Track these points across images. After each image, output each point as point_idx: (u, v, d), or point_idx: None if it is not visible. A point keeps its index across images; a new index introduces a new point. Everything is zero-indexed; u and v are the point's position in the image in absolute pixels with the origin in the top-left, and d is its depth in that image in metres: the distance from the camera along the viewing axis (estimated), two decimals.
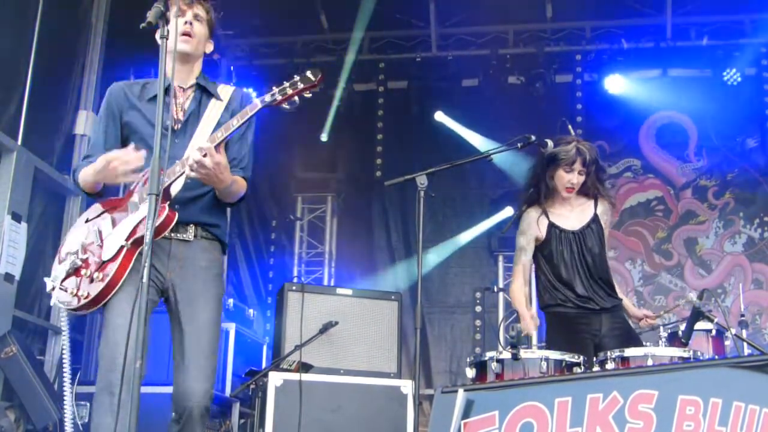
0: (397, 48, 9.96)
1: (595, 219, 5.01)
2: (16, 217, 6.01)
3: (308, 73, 3.46)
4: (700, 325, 4.89)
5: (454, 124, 9.56)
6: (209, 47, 3.99)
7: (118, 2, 7.36)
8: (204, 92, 3.91)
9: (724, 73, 9.04)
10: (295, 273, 10.00)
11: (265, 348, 8.29)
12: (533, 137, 4.76)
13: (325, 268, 10.12)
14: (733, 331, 4.81)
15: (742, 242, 9.15)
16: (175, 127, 3.77)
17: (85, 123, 7.09)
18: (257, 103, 3.50)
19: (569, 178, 4.90)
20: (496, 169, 8.81)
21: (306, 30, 9.59)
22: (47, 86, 6.66)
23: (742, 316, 6.35)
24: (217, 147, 3.48)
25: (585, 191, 5.02)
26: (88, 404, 6.06)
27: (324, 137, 9.88)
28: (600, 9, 9.33)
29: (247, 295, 9.64)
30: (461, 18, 9.71)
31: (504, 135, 6.27)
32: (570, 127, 5.94)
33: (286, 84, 3.47)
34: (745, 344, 5.09)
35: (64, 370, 6.13)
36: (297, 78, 3.46)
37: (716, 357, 5.13)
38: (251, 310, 8.36)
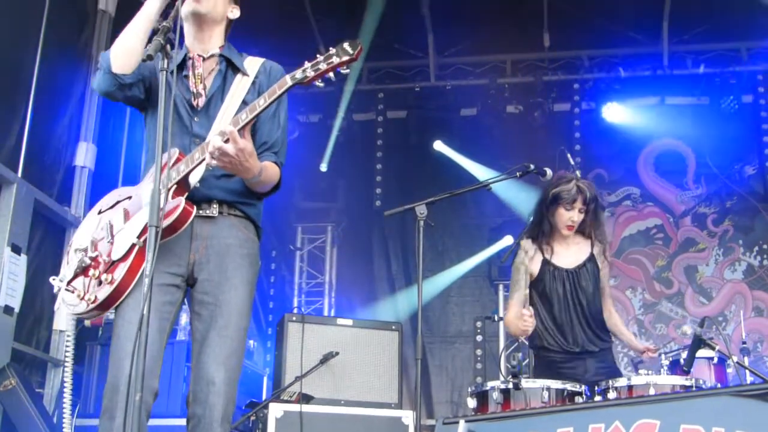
0: (395, 78, 10.01)
1: (591, 258, 5.01)
2: (16, 249, 6.00)
3: (346, 45, 3.05)
4: (702, 352, 4.88)
5: (453, 154, 9.59)
6: (234, 12, 3.59)
7: (118, 33, 7.39)
8: (230, 65, 3.51)
9: (722, 101, 9.09)
10: (296, 303, 9.99)
11: (265, 379, 8.27)
12: (532, 166, 4.79)
13: (325, 298, 10.10)
14: (735, 358, 4.80)
15: (742, 270, 9.14)
16: (195, 103, 3.43)
17: (85, 155, 7.10)
18: (287, 81, 3.09)
19: (570, 215, 4.92)
20: (496, 198, 8.82)
21: (305, 60, 9.63)
22: (47, 118, 6.67)
23: (744, 343, 6.33)
24: (241, 131, 3.10)
25: (582, 230, 5.04)
26: None
27: (323, 167, 9.92)
28: (597, 38, 9.38)
29: None
30: (459, 48, 9.77)
31: (503, 164, 6.31)
32: (569, 155, 5.97)
33: (320, 58, 3.06)
34: (747, 372, 5.07)
35: (65, 403, 6.11)
36: (332, 51, 3.05)
37: (718, 385, 5.11)
38: (251, 341, 8.33)
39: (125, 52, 3.35)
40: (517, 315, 4.82)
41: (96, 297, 3.25)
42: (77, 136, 7.16)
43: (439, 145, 9.66)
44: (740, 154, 9.37)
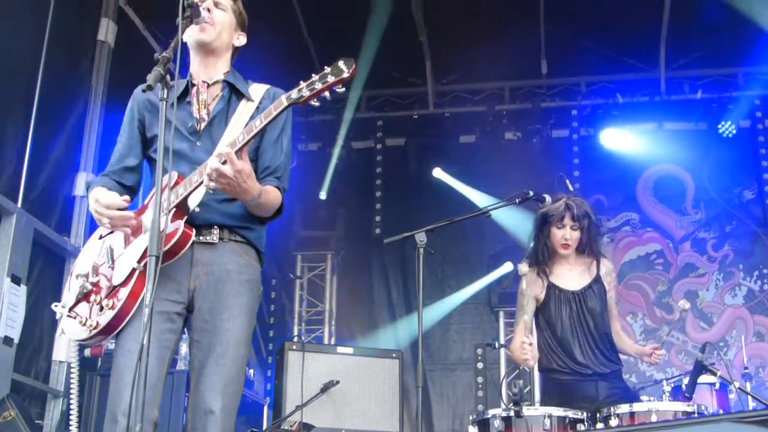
0: (394, 106, 10.05)
1: (597, 279, 4.94)
2: (16, 280, 5.99)
3: (340, 64, 3.03)
4: (704, 378, 4.87)
5: (453, 181, 9.61)
6: (240, 39, 3.61)
7: (117, 63, 7.43)
8: (234, 91, 3.52)
9: (719, 126, 9.13)
10: (296, 332, 9.96)
11: (265, 408, 8.22)
12: (531, 192, 4.79)
13: (325, 327, 10.07)
14: (737, 384, 4.78)
15: (742, 294, 9.13)
16: (198, 128, 3.44)
17: (85, 184, 7.11)
18: (283, 101, 3.09)
19: (562, 234, 4.90)
20: (495, 225, 8.81)
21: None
22: (47, 148, 6.69)
23: (745, 368, 6.33)
24: (238, 152, 3.09)
25: (583, 249, 4.98)
26: None
27: (323, 195, 9.93)
28: (594, 64, 9.44)
29: None
30: (457, 75, 9.83)
31: (502, 190, 6.29)
32: (568, 181, 5.99)
33: (315, 77, 3.05)
34: (749, 397, 5.06)
35: None
36: (327, 70, 3.03)
37: (720, 411, 5.10)
38: (251, 370, 8.29)
39: None
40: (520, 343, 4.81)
41: (98, 322, 3.23)
42: (77, 166, 7.17)
43: (438, 173, 9.68)
44: (739, 178, 9.40)
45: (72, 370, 6.39)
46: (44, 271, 6.64)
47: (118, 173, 3.58)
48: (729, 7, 8.06)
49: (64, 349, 6.54)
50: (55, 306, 3.42)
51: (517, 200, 4.83)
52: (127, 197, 3.39)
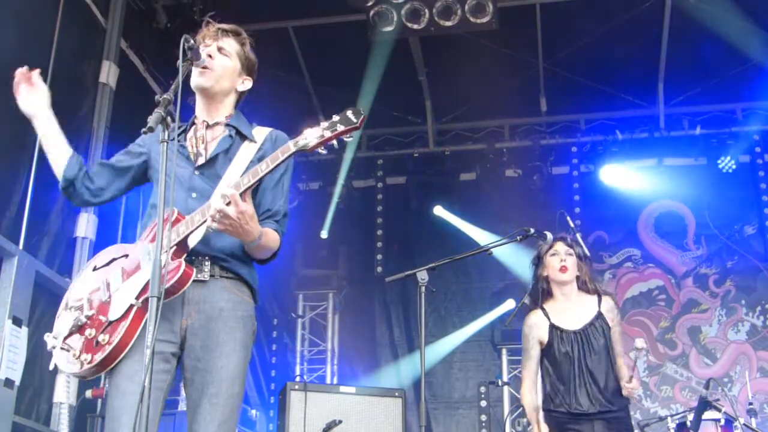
0: (394, 144, 10.10)
1: (599, 316, 4.86)
2: (17, 322, 5.97)
3: (349, 113, 3.09)
4: (709, 414, 4.84)
5: (454, 218, 9.63)
6: (245, 84, 3.62)
7: (118, 105, 7.48)
8: (237, 133, 3.52)
9: (719, 161, 9.15)
10: (298, 371, 9.92)
11: None
12: (532, 230, 4.79)
13: (327, 366, 10.02)
14: (742, 420, 4.76)
15: (745, 330, 9.10)
16: (196, 162, 3.44)
17: (86, 225, 7.11)
18: (290, 147, 3.11)
19: (559, 258, 4.88)
20: (497, 262, 8.82)
21: (304, 127, 9.71)
22: (49, 190, 6.70)
23: (750, 404, 6.28)
24: (242, 194, 3.10)
25: (582, 286, 4.96)
26: None
27: (324, 234, 9.93)
28: (593, 101, 9.49)
29: (249, 395, 9.55)
30: (457, 114, 9.88)
31: (503, 228, 6.32)
32: (569, 218, 5.99)
33: (325, 124, 3.10)
34: None
35: None
36: (336, 119, 3.09)
37: None
38: (253, 411, 8.25)
39: (52, 164, 3.69)
40: (530, 388, 4.79)
41: (93, 358, 3.18)
42: (78, 208, 7.18)
43: (439, 210, 9.71)
44: (739, 213, 9.41)
45: (62, 408, 6.35)
46: (45, 312, 6.61)
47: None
48: (726, 44, 8.12)
49: (65, 391, 6.51)
50: (47, 336, 3.35)
51: (518, 238, 4.82)
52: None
